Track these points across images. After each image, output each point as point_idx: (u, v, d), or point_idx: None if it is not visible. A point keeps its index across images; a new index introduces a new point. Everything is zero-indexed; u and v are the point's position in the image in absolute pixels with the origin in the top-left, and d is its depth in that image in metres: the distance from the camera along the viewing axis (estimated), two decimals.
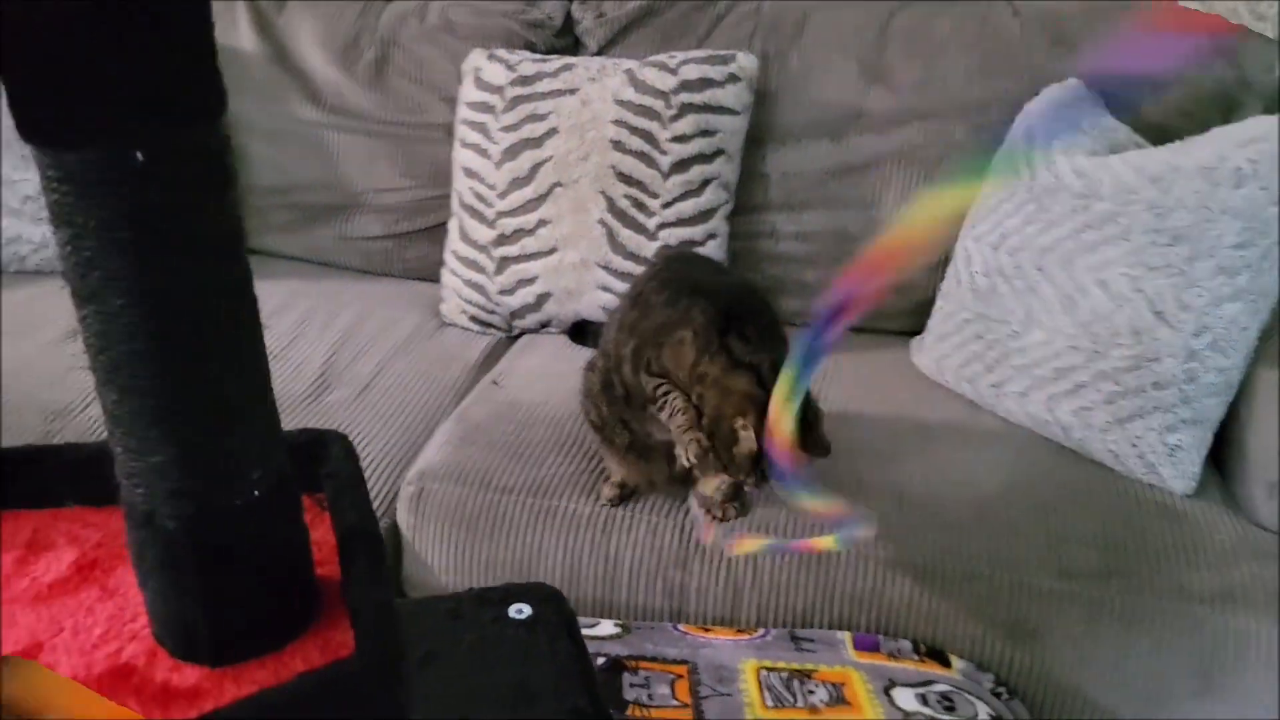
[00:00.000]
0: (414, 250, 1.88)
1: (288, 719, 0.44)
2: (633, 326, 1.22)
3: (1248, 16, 1.66)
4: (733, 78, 1.64)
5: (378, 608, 0.49)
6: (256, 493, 0.49)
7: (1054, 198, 1.39)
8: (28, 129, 0.41)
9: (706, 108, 1.62)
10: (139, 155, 0.41)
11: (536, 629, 0.74)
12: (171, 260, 0.43)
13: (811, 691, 1.11)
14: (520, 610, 0.75)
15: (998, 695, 1.17)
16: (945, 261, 1.64)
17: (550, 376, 1.55)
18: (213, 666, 0.50)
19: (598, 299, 1.66)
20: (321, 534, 0.58)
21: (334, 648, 0.52)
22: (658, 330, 1.17)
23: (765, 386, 1.06)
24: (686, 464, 1.22)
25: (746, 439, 1.07)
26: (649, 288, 1.24)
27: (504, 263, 1.68)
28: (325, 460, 0.59)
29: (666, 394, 1.16)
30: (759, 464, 1.07)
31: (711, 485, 1.22)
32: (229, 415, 0.47)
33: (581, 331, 1.66)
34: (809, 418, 1.10)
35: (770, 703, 1.09)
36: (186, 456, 0.46)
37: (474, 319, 1.74)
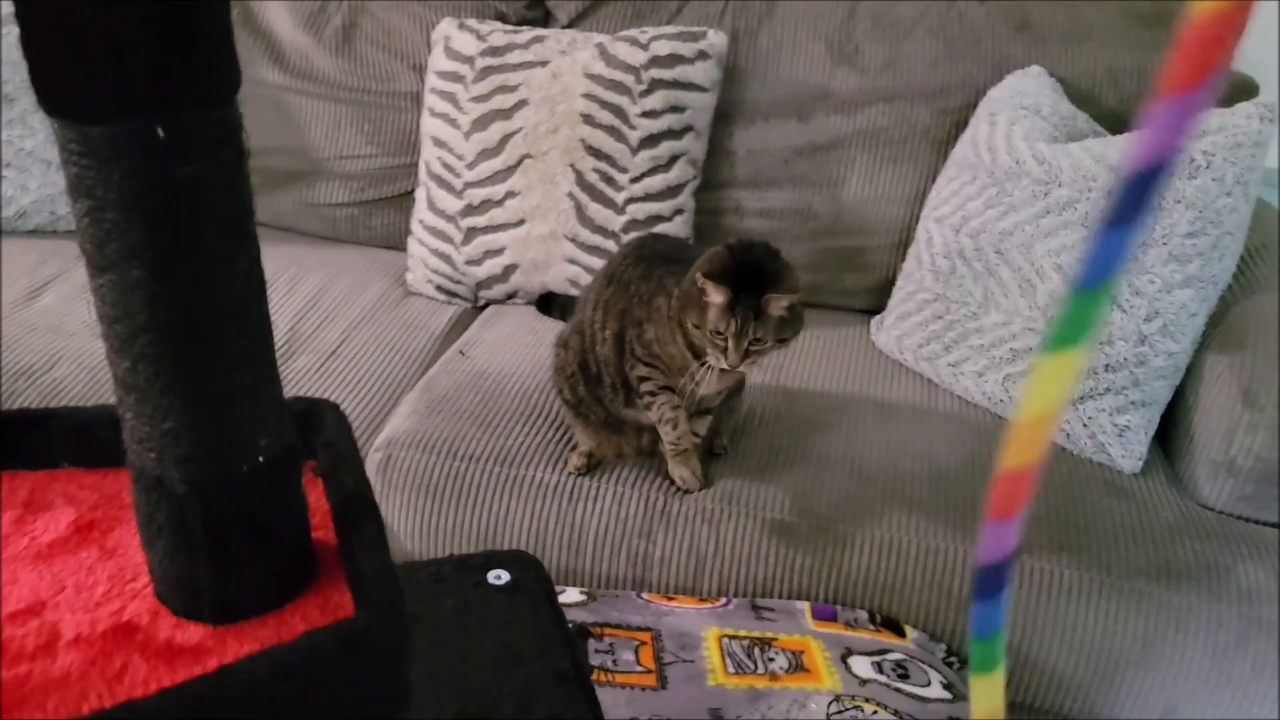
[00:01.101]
0: (379, 218, 1.88)
1: (300, 675, 0.46)
2: (608, 304, 1.24)
3: None
4: (703, 54, 1.65)
5: (381, 570, 0.51)
6: (262, 459, 0.50)
7: (1015, 182, 1.43)
8: (51, 102, 0.42)
9: (676, 84, 1.64)
10: (160, 130, 0.42)
11: (517, 594, 0.76)
12: (188, 233, 0.44)
13: (772, 659, 1.14)
14: (499, 576, 0.77)
15: (949, 664, 1.21)
16: (906, 242, 1.68)
17: (517, 348, 1.57)
18: (216, 624, 0.52)
19: (565, 271, 1.67)
20: (315, 499, 0.60)
21: (332, 608, 0.54)
22: (636, 304, 1.20)
23: (730, 248, 1.11)
24: (678, 483, 1.27)
25: (714, 292, 1.09)
26: (624, 265, 1.26)
27: (471, 233, 1.69)
28: (320, 428, 0.61)
29: (654, 396, 1.20)
30: (734, 315, 1.09)
31: (681, 473, 1.26)
32: (238, 384, 0.49)
33: (548, 303, 1.68)
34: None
35: (732, 669, 1.12)
36: (197, 423, 0.48)
37: (440, 288, 1.75)
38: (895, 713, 1.06)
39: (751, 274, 1.09)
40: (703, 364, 1.15)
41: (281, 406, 0.52)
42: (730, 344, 1.10)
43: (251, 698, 0.46)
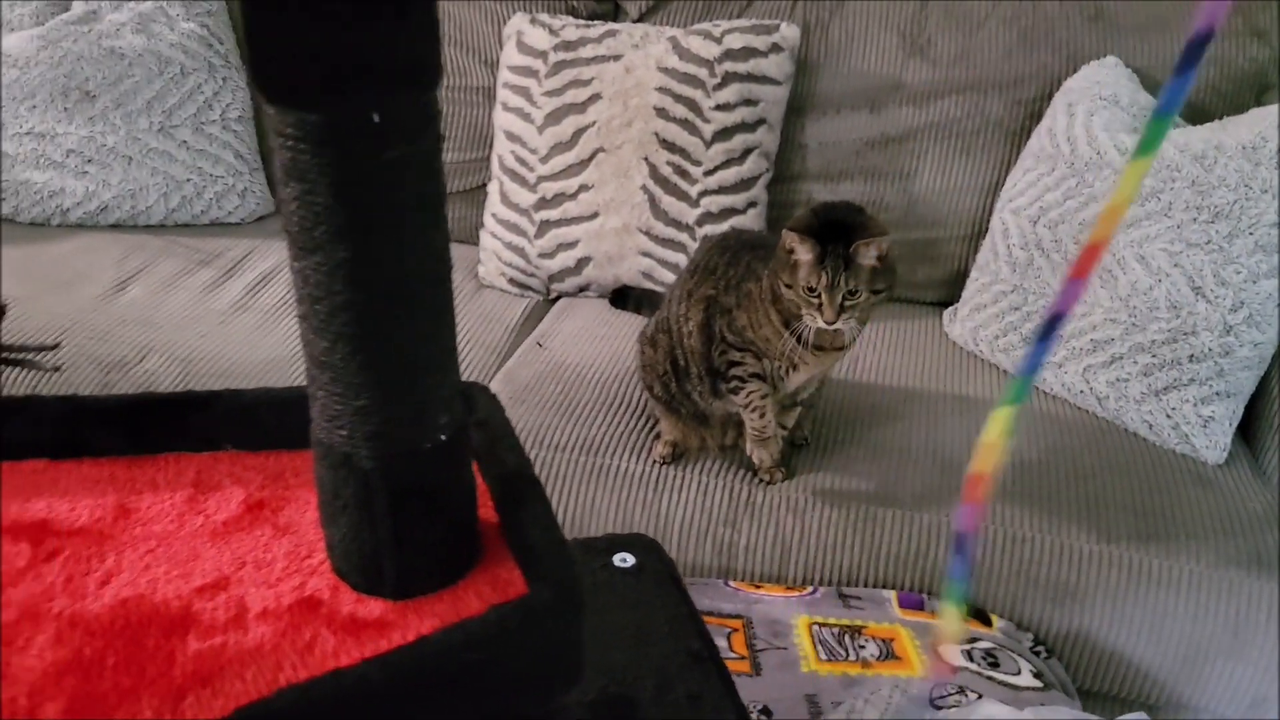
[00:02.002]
0: (452, 212, 1.85)
1: (489, 647, 0.48)
2: (692, 294, 1.25)
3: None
4: (776, 47, 1.66)
5: (556, 545, 0.52)
6: (443, 436, 0.52)
7: (1096, 173, 1.42)
8: (271, 90, 0.43)
9: (750, 77, 1.64)
10: (375, 116, 0.43)
11: (643, 576, 0.77)
12: (392, 213, 0.46)
13: (862, 646, 1.15)
14: (625, 559, 0.79)
15: (1036, 653, 1.22)
16: (979, 234, 1.68)
17: (594, 339, 1.58)
18: (395, 600, 0.53)
19: (638, 264, 1.68)
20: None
21: (503, 584, 0.55)
22: (724, 291, 1.21)
23: (815, 209, 1.12)
24: (755, 463, 1.27)
25: (802, 250, 1.09)
26: (709, 256, 1.27)
27: (544, 226, 1.70)
28: (473, 408, 0.62)
29: (744, 383, 1.21)
30: (824, 267, 1.09)
31: (760, 454, 1.27)
32: (427, 363, 0.50)
33: (622, 297, 1.69)
34: None
35: (824, 656, 1.13)
36: (388, 401, 0.49)
37: (512, 281, 1.76)
38: (979, 695, 1.06)
39: (838, 227, 1.09)
40: (793, 333, 1.14)
41: (459, 386, 0.53)
42: (824, 297, 1.09)
43: (446, 668, 0.47)
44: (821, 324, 1.11)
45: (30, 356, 0.55)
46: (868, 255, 1.09)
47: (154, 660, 0.49)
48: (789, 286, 1.12)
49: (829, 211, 1.12)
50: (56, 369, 0.59)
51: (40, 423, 0.60)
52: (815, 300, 1.10)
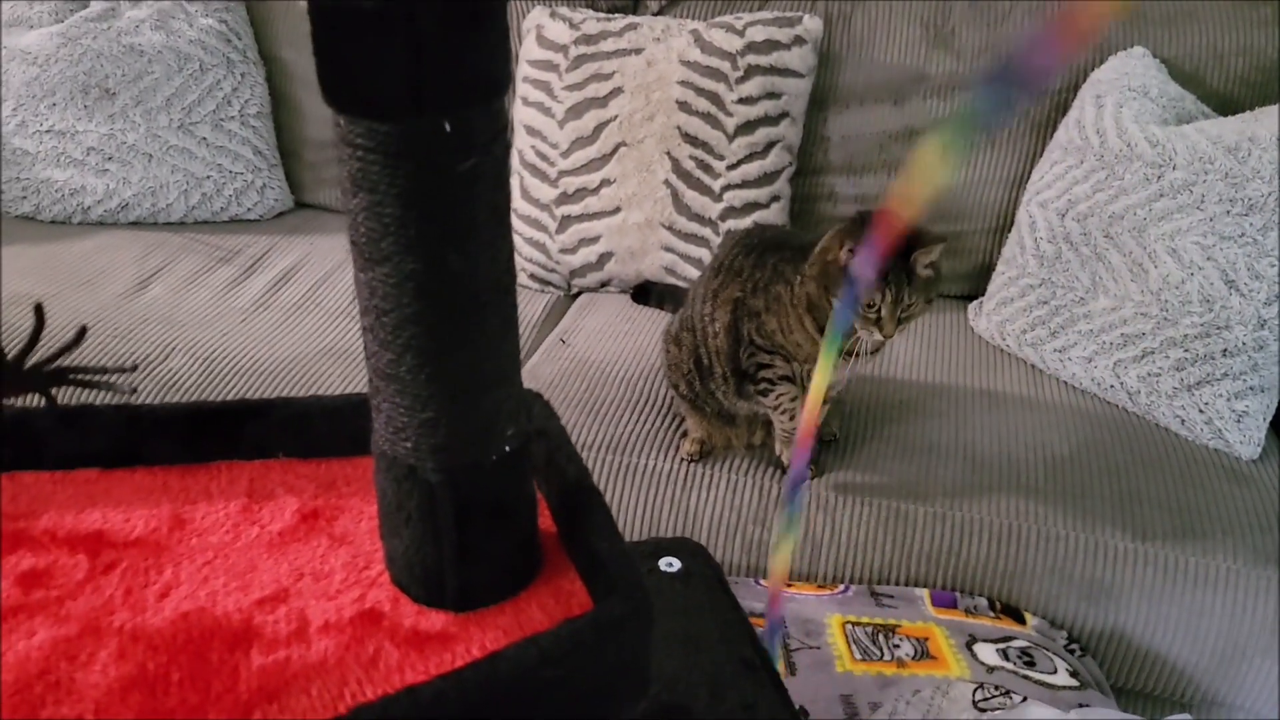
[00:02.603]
0: None
1: (563, 662, 0.47)
2: (717, 294, 1.24)
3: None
4: (799, 40, 1.64)
5: (622, 558, 0.52)
6: (508, 448, 0.51)
7: (1126, 165, 1.41)
8: (341, 101, 0.42)
9: (773, 70, 1.63)
10: (447, 125, 0.42)
11: (690, 582, 0.77)
12: (462, 224, 0.45)
13: (897, 645, 1.14)
14: (671, 564, 0.78)
15: (1071, 651, 1.21)
16: (1004, 227, 1.66)
17: (617, 335, 1.58)
18: (457, 612, 0.53)
19: (660, 259, 1.67)
20: None
21: (564, 596, 0.55)
22: (751, 294, 1.20)
23: (863, 216, 1.09)
24: (785, 464, 1.26)
25: (847, 258, 1.07)
26: (733, 255, 1.26)
27: (566, 221, 1.69)
28: (530, 417, 0.62)
29: (773, 385, 1.20)
30: (887, 284, 1.07)
31: (788, 453, 1.26)
32: (494, 374, 0.49)
33: (645, 292, 1.68)
34: None
35: (858, 655, 1.13)
36: (455, 413, 0.48)
37: (533, 277, 1.76)
38: (1024, 697, 1.06)
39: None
40: (844, 347, 1.13)
41: (523, 397, 0.53)
42: (885, 313, 1.08)
43: (520, 684, 0.46)
44: (877, 338, 1.10)
45: (108, 379, 0.54)
46: (925, 265, 1.08)
47: (219, 675, 0.49)
48: None
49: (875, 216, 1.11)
50: (133, 391, 0.58)
51: (95, 432, 0.59)
52: (874, 316, 1.09)
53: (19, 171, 1.77)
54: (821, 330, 1.14)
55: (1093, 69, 1.58)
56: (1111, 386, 1.42)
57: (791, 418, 1.23)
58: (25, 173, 1.77)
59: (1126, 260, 1.40)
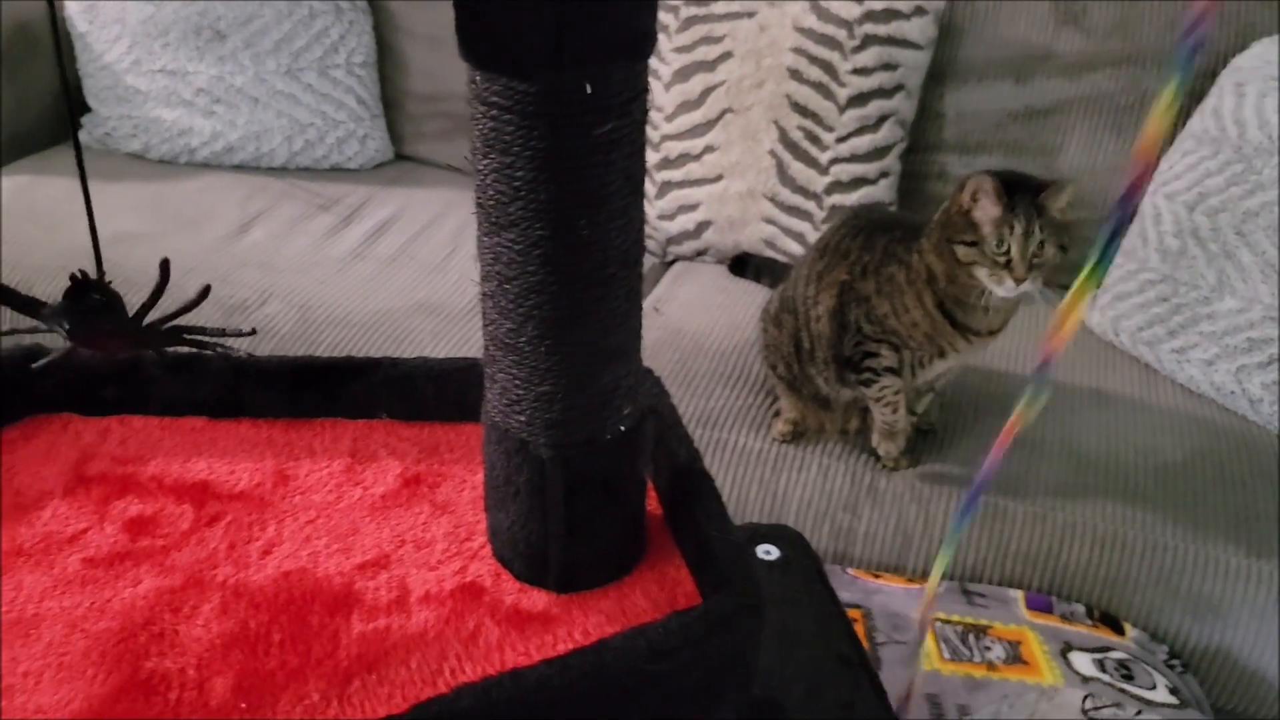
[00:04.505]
0: None
1: (671, 654, 0.45)
2: (821, 277, 1.20)
3: None
4: (919, 10, 1.58)
5: (734, 549, 0.49)
6: (623, 427, 0.49)
7: (1265, 159, 1.33)
8: (480, 55, 0.40)
9: (890, 40, 1.57)
10: (589, 86, 0.40)
11: (789, 571, 0.74)
12: (595, 190, 0.43)
13: (988, 648, 1.10)
14: (769, 551, 0.76)
15: (1172, 667, 1.15)
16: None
17: (711, 306, 1.54)
18: (559, 593, 0.51)
19: (760, 231, 1.63)
20: None
21: (670, 583, 0.52)
22: (860, 277, 1.15)
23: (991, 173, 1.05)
24: (881, 455, 1.23)
25: (988, 202, 1.03)
26: (839, 237, 1.21)
27: (666, 187, 1.66)
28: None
29: (878, 376, 1.16)
30: (1011, 216, 1.02)
31: (887, 447, 1.22)
32: (616, 350, 0.47)
33: (742, 264, 1.64)
34: None
35: (947, 655, 1.09)
36: (572, 388, 0.46)
37: None
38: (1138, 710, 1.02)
39: (1019, 181, 1.03)
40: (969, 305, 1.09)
41: (641, 374, 0.50)
42: (1015, 251, 1.02)
43: (625, 675, 0.45)
44: (1007, 286, 1.03)
45: (227, 343, 0.53)
46: (1057, 204, 1.03)
47: (319, 639, 0.48)
48: (972, 245, 1.04)
49: (1001, 175, 1.06)
50: (251, 356, 0.57)
51: (202, 381, 0.59)
52: (1003, 257, 1.03)
53: (130, 109, 1.80)
54: (941, 307, 1.10)
55: (1234, 55, 1.49)
56: (1232, 393, 1.35)
57: (894, 410, 1.19)
58: (136, 110, 1.80)
59: (1259, 260, 1.32)
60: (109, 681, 0.44)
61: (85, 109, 1.85)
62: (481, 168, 0.43)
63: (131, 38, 1.75)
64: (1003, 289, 1.04)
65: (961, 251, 1.05)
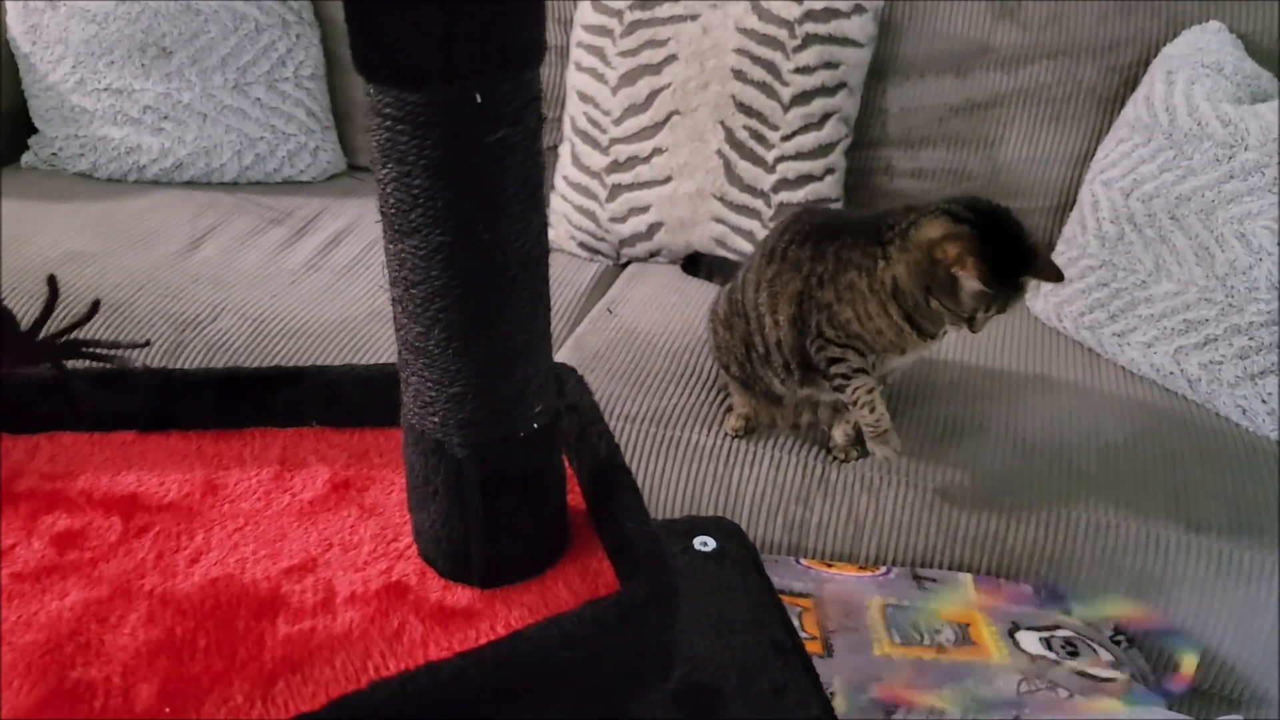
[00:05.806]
0: None
1: (585, 643, 0.46)
2: (773, 284, 1.20)
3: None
4: (859, 8, 1.60)
5: (650, 540, 0.51)
6: (536, 425, 0.50)
7: (1195, 145, 1.36)
8: (371, 68, 0.41)
9: (831, 39, 1.59)
10: (478, 96, 0.41)
11: (725, 562, 0.76)
12: (492, 196, 0.44)
13: (938, 630, 1.13)
14: (705, 543, 0.77)
15: (1117, 642, 1.18)
16: (1066, 205, 1.62)
17: (664, 306, 1.56)
18: (482, 588, 0.52)
19: (711, 230, 1.65)
20: None
21: (591, 575, 0.54)
22: (816, 286, 1.16)
23: (961, 218, 1.07)
24: (881, 459, 1.25)
25: (971, 283, 1.05)
26: (784, 243, 1.21)
27: (616, 190, 1.68)
28: (562, 392, 0.61)
29: (848, 379, 1.17)
30: (991, 297, 1.06)
31: (884, 450, 1.23)
32: (523, 350, 0.49)
33: (694, 263, 1.66)
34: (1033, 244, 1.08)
35: (897, 639, 1.11)
36: (483, 388, 0.48)
37: (582, 245, 1.74)
38: (1069, 693, 1.04)
39: (1004, 252, 1.05)
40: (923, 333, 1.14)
41: (552, 373, 0.52)
42: (984, 321, 1.10)
43: (541, 664, 0.46)
44: (965, 332, 1.13)
45: (121, 353, 0.54)
46: (1030, 286, 1.10)
47: (244, 643, 0.49)
48: (949, 309, 1.09)
49: (986, 221, 1.07)
50: (144, 367, 0.58)
51: (132, 395, 0.60)
52: (966, 318, 1.10)
53: (77, 129, 1.79)
54: (908, 317, 1.12)
55: (1165, 43, 1.53)
56: (1171, 373, 1.38)
57: (873, 410, 1.19)
58: (83, 130, 1.79)
59: (1192, 243, 1.35)
60: (34, 692, 0.45)
61: (31, 130, 1.84)
62: (381, 177, 0.44)
63: (75, 57, 1.75)
64: (960, 333, 1.13)
65: (935, 303, 1.10)
